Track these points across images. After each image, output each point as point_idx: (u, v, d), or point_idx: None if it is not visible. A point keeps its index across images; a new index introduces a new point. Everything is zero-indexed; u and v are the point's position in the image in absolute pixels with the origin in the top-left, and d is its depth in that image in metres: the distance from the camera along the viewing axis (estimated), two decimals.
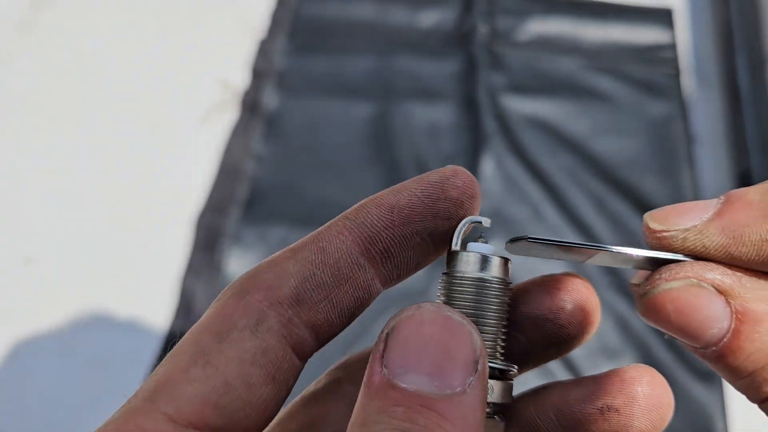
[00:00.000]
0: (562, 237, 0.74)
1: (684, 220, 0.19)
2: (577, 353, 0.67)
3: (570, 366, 0.67)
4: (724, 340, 0.18)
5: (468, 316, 0.20)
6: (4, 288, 0.74)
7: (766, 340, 0.17)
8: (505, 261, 0.22)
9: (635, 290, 0.20)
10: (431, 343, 0.19)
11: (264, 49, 0.89)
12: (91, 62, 0.90)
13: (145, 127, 0.85)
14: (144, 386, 0.20)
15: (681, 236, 0.19)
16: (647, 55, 0.86)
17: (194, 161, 0.82)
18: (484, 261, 0.21)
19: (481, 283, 0.21)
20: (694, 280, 0.18)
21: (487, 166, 0.78)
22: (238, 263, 0.74)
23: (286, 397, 0.22)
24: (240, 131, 0.84)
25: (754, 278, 0.18)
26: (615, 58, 0.86)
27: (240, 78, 0.88)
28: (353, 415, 0.19)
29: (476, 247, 0.22)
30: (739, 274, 0.18)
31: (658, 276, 0.19)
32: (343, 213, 0.23)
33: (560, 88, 0.83)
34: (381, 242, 0.22)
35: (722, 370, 0.18)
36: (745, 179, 0.74)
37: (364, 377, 0.19)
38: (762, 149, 0.73)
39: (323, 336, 0.22)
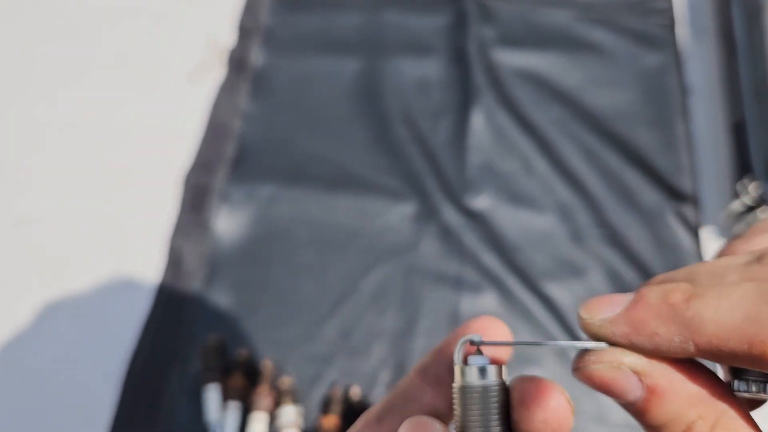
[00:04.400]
0: (553, 190, 0.73)
1: (603, 311, 0.25)
2: (566, 305, 0.67)
3: (559, 316, 0.66)
4: (638, 403, 0.24)
5: (476, 421, 0.26)
6: None
7: (667, 406, 0.24)
8: (500, 367, 0.26)
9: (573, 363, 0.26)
10: None
11: (251, 6, 0.88)
12: (78, 21, 0.88)
13: (133, 86, 0.84)
14: None
15: (597, 324, 0.25)
16: (641, 5, 0.84)
17: (182, 120, 0.81)
18: (483, 371, 0.26)
19: (484, 391, 0.26)
20: (615, 364, 0.25)
21: (477, 119, 0.77)
22: (226, 221, 0.74)
23: None
24: (227, 89, 0.82)
25: (659, 362, 0.24)
26: (608, 9, 0.84)
27: (227, 35, 0.87)
28: None
29: (475, 361, 0.27)
30: (648, 359, 0.24)
31: (588, 357, 0.25)
32: None
33: (552, 40, 0.82)
34: (432, 372, 0.28)
35: (637, 420, 0.25)
36: (739, 130, 0.73)
37: None
38: (756, 98, 0.72)
39: None
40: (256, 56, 0.84)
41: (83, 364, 0.68)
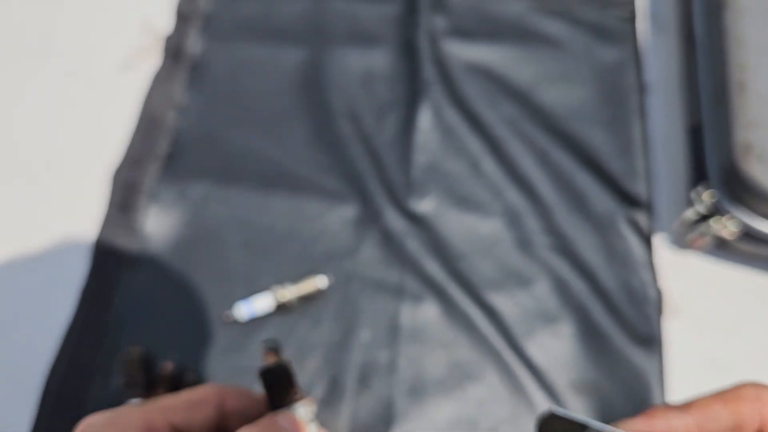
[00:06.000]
0: (501, 193, 0.69)
1: None
2: (511, 316, 0.64)
3: (502, 328, 0.63)
4: None
5: None
6: None
7: None
8: None
9: None
10: None
11: None
12: (4, 5, 0.82)
13: (61, 74, 0.78)
14: None
15: None
16: None
17: (112, 111, 0.76)
18: None
19: None
20: None
21: (425, 116, 0.73)
22: (155, 223, 0.69)
23: None
24: (162, 79, 0.77)
25: None
26: (565, 0, 0.80)
27: (163, 21, 0.81)
28: None
29: None
30: None
31: None
32: None
33: (506, 32, 0.78)
34: None
35: None
36: (695, 133, 0.70)
37: None
38: (713, 101, 0.69)
39: None
40: (194, 44, 0.79)
41: None
